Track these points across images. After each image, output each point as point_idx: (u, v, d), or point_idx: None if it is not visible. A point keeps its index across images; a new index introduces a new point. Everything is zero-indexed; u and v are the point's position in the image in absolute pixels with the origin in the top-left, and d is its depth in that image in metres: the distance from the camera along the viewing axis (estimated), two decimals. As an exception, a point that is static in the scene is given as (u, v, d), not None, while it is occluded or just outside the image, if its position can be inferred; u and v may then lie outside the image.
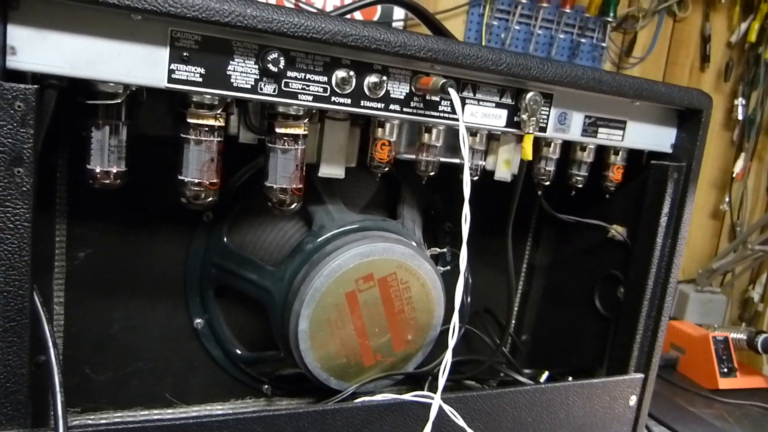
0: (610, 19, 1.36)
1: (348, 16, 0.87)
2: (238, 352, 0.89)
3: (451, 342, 0.63)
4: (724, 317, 1.57)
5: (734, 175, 1.61)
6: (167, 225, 0.83)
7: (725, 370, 1.30)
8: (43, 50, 0.55)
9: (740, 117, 1.58)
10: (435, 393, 0.67)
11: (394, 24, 1.26)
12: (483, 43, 1.32)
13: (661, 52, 1.51)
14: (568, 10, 1.32)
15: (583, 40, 1.37)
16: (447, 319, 0.86)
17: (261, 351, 0.90)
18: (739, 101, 1.58)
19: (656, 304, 0.92)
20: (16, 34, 0.54)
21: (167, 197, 0.71)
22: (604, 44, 1.39)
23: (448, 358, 0.62)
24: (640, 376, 0.93)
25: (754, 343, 1.29)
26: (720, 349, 1.31)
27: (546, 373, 1.03)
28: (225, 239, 0.85)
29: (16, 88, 0.53)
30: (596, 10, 1.35)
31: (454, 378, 0.99)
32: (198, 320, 0.87)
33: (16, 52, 0.54)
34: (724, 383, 1.28)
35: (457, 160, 0.84)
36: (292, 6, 1.18)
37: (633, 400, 0.93)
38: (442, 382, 0.63)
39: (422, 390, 0.81)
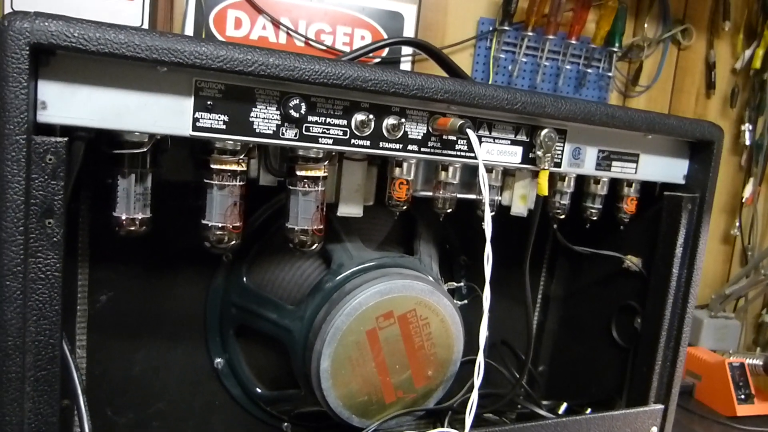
0: (615, 49, 1.37)
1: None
2: (258, 390, 0.90)
3: (477, 382, 0.63)
4: (738, 343, 1.56)
5: (744, 200, 1.61)
6: (187, 267, 0.84)
7: (742, 396, 1.29)
8: (73, 104, 0.57)
9: (747, 142, 1.59)
10: (455, 430, 0.67)
11: (402, 59, 1.28)
12: (491, 76, 1.33)
13: (667, 80, 1.52)
14: (573, 42, 1.33)
15: (589, 71, 1.38)
16: (466, 352, 0.86)
17: (281, 389, 0.90)
18: (746, 127, 1.58)
19: (674, 334, 0.92)
20: (47, 89, 0.56)
21: (186, 239, 0.72)
22: (610, 74, 1.41)
23: (474, 398, 0.62)
24: (661, 407, 0.93)
25: (770, 368, 1.29)
26: (736, 375, 1.30)
27: (564, 405, 1.02)
28: (244, 279, 0.86)
29: (47, 141, 0.55)
30: (602, 40, 1.36)
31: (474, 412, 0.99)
32: (218, 360, 0.87)
33: (46, 106, 0.56)
34: (742, 410, 1.27)
35: (472, 196, 0.85)
36: (302, 44, 1.20)
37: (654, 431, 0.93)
38: (469, 422, 0.63)
39: (443, 425, 0.81)
